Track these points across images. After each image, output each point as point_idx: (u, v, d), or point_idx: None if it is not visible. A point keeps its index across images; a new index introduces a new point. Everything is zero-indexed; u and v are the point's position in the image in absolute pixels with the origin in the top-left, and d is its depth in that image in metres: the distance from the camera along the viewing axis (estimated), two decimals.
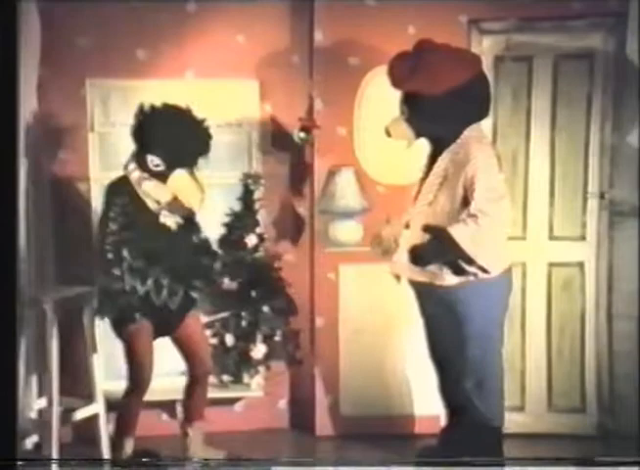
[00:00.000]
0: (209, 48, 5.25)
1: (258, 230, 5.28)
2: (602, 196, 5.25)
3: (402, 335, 5.33)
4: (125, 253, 4.55)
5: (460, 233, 4.31)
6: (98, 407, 5.09)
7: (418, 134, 4.54)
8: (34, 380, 5.15)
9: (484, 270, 4.36)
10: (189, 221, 4.75)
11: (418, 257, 4.44)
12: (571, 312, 5.33)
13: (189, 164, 4.66)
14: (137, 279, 4.58)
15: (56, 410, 4.87)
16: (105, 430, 5.11)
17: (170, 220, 4.68)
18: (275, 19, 5.31)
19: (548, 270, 5.30)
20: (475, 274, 4.38)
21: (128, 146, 5.20)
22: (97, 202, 5.25)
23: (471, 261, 4.34)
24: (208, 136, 4.67)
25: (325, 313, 5.35)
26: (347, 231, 5.23)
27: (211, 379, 5.31)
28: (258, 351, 5.24)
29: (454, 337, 4.49)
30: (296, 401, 5.53)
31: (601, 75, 5.21)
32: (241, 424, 5.44)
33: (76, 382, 5.16)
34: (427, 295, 4.56)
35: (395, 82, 4.49)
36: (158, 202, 4.65)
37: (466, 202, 4.35)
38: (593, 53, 5.21)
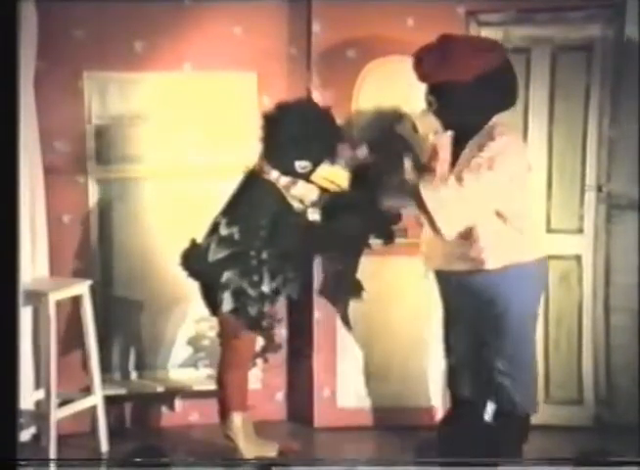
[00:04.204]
0: (207, 40, 5.23)
1: None
2: (599, 189, 5.24)
3: (400, 326, 5.34)
4: (265, 255, 4.63)
5: (428, 191, 4.27)
6: (96, 399, 5.12)
7: (446, 126, 4.48)
8: (32, 372, 5.16)
9: (437, 230, 4.29)
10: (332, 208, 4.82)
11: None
12: (569, 305, 5.33)
13: (331, 155, 4.73)
14: (270, 277, 4.66)
15: (54, 402, 4.89)
16: (103, 422, 5.14)
17: (317, 216, 4.80)
18: (272, 10, 5.29)
19: None
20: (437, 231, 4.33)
21: (126, 139, 5.28)
22: (94, 195, 5.29)
23: (430, 219, 4.30)
24: (335, 122, 4.75)
25: (323, 306, 5.34)
26: None
27: (209, 371, 5.35)
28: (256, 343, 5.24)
29: (490, 329, 4.41)
30: (293, 393, 5.55)
31: (599, 68, 5.19)
32: None
33: (74, 374, 5.20)
34: (457, 287, 4.49)
35: (424, 75, 4.42)
36: (302, 201, 4.74)
37: None
38: (591, 45, 5.20)
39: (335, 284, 5.28)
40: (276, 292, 4.73)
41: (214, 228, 4.71)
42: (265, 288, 4.67)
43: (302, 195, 4.76)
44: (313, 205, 4.82)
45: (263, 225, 4.64)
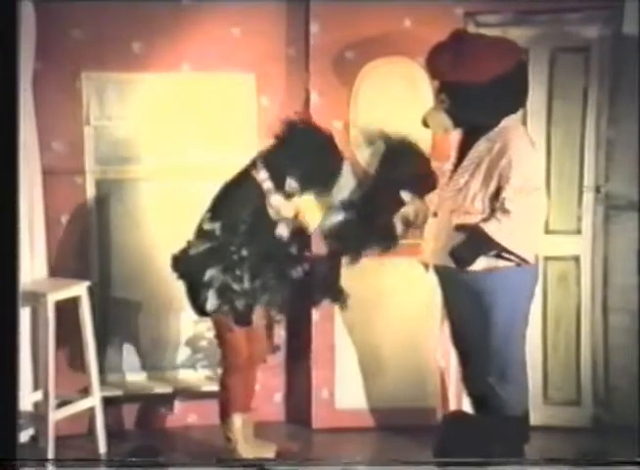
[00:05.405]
0: (205, 41, 5.23)
1: None
2: (598, 190, 5.25)
3: (399, 327, 5.34)
4: (245, 252, 4.60)
5: (494, 229, 4.29)
6: (94, 400, 5.11)
7: (456, 124, 4.48)
8: (30, 373, 5.15)
9: (524, 260, 4.35)
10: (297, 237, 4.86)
11: (460, 258, 4.38)
12: (567, 306, 5.34)
13: (322, 190, 4.76)
14: (249, 277, 4.63)
15: (52, 403, 4.88)
16: (101, 423, 5.13)
17: (285, 232, 4.76)
18: (271, 11, 5.29)
19: (544, 264, 5.23)
20: (516, 262, 4.37)
21: (124, 139, 5.27)
22: (92, 196, 5.28)
23: (510, 253, 4.33)
24: (342, 160, 4.78)
25: (321, 307, 5.32)
26: None
27: (207, 372, 5.35)
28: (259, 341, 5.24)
29: (479, 324, 4.42)
30: (292, 395, 5.54)
31: (597, 69, 5.20)
32: None
33: (73, 375, 5.19)
34: (453, 282, 4.51)
35: (437, 73, 4.43)
36: (278, 213, 4.73)
37: (498, 191, 4.32)
38: (589, 46, 5.21)
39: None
40: (260, 292, 4.70)
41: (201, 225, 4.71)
42: (247, 285, 4.63)
43: (278, 207, 4.73)
44: (285, 220, 4.79)
45: (244, 222, 4.61)
